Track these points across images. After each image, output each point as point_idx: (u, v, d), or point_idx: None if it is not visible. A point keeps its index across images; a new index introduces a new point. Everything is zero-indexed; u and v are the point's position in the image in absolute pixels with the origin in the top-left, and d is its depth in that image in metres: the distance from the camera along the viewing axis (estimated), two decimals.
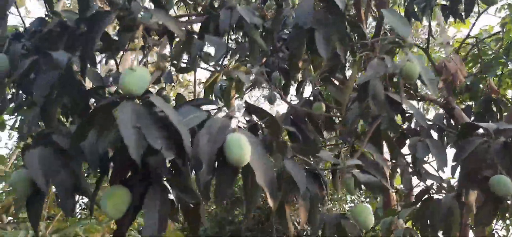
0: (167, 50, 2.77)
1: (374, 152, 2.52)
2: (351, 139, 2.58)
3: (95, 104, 1.95)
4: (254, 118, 1.79)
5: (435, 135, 3.39)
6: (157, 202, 1.60)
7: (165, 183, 1.69)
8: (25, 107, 2.81)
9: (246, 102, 1.71)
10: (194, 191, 1.74)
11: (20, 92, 2.90)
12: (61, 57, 1.81)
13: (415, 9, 3.57)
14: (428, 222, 3.02)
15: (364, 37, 2.87)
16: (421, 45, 3.64)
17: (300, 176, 1.94)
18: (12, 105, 3.07)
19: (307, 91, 3.35)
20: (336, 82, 3.23)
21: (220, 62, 2.66)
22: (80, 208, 10.43)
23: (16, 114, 4.75)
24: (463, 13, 3.44)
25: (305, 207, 2.11)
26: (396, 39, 2.24)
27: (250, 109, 1.74)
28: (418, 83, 3.55)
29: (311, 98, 3.12)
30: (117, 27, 2.41)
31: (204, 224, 1.79)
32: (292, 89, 3.34)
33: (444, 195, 3.29)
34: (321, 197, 2.22)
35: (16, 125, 5.77)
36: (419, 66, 1.96)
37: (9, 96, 3.14)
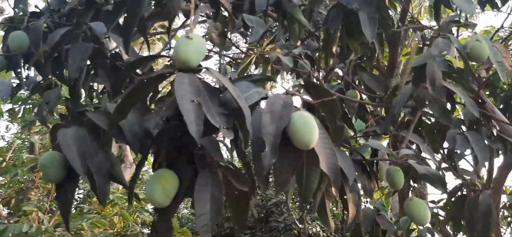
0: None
1: (420, 143, 2.37)
2: (393, 128, 2.42)
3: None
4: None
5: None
6: (209, 188, 1.43)
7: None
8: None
9: (305, 78, 1.53)
10: (246, 177, 1.57)
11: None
12: (100, 28, 1.62)
13: None
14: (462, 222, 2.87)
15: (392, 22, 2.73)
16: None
17: (348, 166, 1.78)
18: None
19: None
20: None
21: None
22: (76, 202, 10.24)
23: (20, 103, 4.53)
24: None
25: (353, 200, 1.94)
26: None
27: (308, 86, 1.56)
28: None
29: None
30: None
31: (253, 214, 1.62)
32: None
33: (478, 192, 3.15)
34: (370, 189, 2.07)
35: (19, 115, 5.57)
36: (488, 47, 1.81)
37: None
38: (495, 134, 3.06)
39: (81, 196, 11.10)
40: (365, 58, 3.14)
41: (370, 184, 2.05)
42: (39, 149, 7.31)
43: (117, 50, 1.99)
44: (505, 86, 4.63)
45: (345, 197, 1.92)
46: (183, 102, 1.25)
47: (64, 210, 1.63)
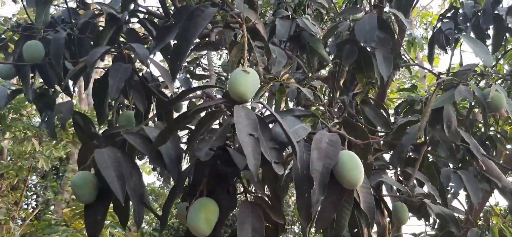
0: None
1: (425, 181, 2.45)
2: (400, 164, 2.50)
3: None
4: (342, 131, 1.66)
5: None
6: (250, 219, 1.44)
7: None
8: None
9: (343, 116, 1.58)
10: (282, 211, 1.59)
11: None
12: (142, 50, 1.61)
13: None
14: None
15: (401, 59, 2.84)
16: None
17: (370, 202, 1.83)
18: None
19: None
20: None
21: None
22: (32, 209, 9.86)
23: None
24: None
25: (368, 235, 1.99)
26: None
27: (346, 124, 1.61)
28: None
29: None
30: None
31: None
32: None
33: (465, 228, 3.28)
34: (383, 226, 2.12)
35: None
36: (505, 98, 1.92)
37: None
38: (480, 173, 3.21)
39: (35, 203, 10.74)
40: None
41: (383, 220, 2.10)
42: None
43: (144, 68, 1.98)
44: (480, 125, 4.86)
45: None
46: (242, 135, 1.27)
47: (91, 232, 1.59)
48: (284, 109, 1.75)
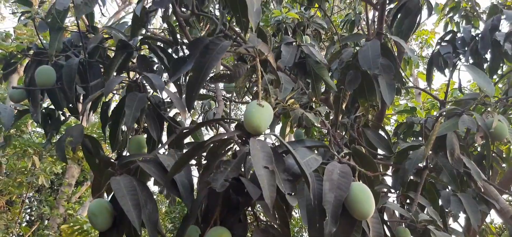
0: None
1: (427, 205, 2.51)
2: (400, 187, 2.55)
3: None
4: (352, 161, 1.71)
5: None
6: None
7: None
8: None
9: (353, 146, 1.63)
10: None
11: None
12: (159, 82, 1.66)
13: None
14: None
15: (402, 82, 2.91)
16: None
17: (379, 231, 1.87)
18: None
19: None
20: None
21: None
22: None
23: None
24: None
25: None
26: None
27: (356, 154, 1.66)
28: None
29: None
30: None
31: None
32: None
33: None
34: None
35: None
36: (507, 127, 1.99)
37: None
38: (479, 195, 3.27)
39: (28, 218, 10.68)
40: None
41: None
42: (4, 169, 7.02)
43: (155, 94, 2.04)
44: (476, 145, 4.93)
45: None
46: (257, 168, 1.31)
47: None
48: (293, 140, 1.80)
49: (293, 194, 1.40)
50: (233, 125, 2.08)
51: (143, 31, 2.63)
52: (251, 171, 1.58)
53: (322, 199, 1.42)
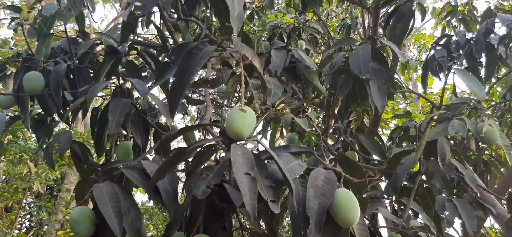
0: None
1: (419, 211, 2.47)
2: (394, 193, 2.52)
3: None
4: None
5: None
6: None
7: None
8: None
9: (339, 152, 1.60)
10: None
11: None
12: (141, 86, 1.64)
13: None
14: None
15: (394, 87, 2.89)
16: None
17: None
18: None
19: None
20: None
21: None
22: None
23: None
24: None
25: None
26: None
27: (342, 160, 1.64)
28: None
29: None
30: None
31: None
32: None
33: None
34: None
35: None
36: (498, 132, 1.96)
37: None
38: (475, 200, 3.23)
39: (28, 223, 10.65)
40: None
41: None
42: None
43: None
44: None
45: None
46: (238, 174, 1.29)
47: None
48: (280, 145, 1.77)
49: (275, 201, 1.38)
50: (217, 130, 2.05)
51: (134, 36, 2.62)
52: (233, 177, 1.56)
53: (306, 206, 1.39)
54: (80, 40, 2.73)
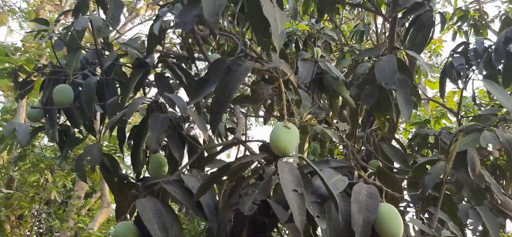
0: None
1: (447, 220, 2.48)
2: (420, 203, 2.54)
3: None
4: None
5: None
6: None
7: None
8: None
9: (379, 167, 1.62)
10: None
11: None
12: (181, 103, 1.67)
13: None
14: None
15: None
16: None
17: None
18: None
19: None
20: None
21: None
22: None
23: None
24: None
25: None
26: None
27: (381, 173, 1.65)
28: None
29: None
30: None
31: None
32: None
33: None
34: None
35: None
36: None
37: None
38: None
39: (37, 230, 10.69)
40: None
41: None
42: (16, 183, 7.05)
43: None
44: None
45: None
46: (287, 192, 1.31)
47: None
48: (319, 159, 1.79)
49: (321, 216, 1.39)
50: (252, 144, 2.07)
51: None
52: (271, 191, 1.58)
53: (351, 221, 1.41)
54: (105, 51, 2.76)
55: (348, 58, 5.44)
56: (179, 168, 1.88)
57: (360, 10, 6.57)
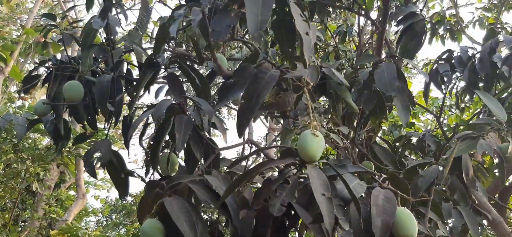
0: None
1: (437, 219, 2.66)
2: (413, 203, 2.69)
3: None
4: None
5: None
6: None
7: None
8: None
9: (390, 172, 1.74)
10: None
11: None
12: (208, 107, 1.74)
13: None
14: None
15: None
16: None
17: None
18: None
19: None
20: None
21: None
22: None
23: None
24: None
25: None
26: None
27: (391, 177, 1.78)
28: None
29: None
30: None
31: None
32: None
33: None
34: None
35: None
36: None
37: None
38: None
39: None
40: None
41: None
42: None
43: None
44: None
45: None
46: (317, 195, 1.41)
47: None
48: (337, 164, 1.89)
49: (345, 219, 1.50)
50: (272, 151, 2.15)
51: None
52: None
53: (372, 223, 1.52)
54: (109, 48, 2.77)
55: (332, 59, 5.60)
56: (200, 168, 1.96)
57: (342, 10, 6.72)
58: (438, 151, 3.40)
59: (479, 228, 4.31)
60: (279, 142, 2.99)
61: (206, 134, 3.35)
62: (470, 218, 3.06)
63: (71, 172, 7.48)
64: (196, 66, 2.64)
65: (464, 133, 2.37)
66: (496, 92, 3.76)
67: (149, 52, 2.52)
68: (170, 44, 2.89)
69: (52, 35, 3.03)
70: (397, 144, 3.92)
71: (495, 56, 3.42)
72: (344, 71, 5.12)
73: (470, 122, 3.30)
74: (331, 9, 6.03)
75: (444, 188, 3.11)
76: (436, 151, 3.32)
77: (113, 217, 15.47)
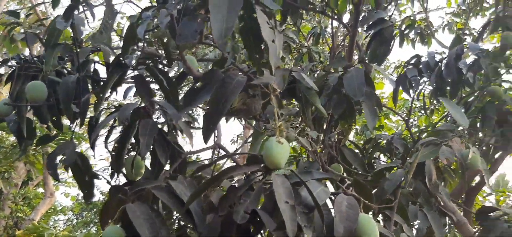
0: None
1: (402, 222, 2.71)
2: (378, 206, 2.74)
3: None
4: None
5: None
6: None
7: None
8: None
9: (354, 179, 1.76)
10: None
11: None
12: (173, 112, 1.72)
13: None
14: None
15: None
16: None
17: None
18: None
19: None
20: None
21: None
22: None
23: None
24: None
25: None
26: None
27: (356, 184, 1.80)
28: None
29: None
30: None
31: None
32: None
33: None
34: None
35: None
36: (479, 158, 2.21)
37: None
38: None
39: None
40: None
41: None
42: None
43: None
44: None
45: None
46: (280, 203, 1.42)
47: None
48: (303, 170, 1.90)
49: (308, 226, 1.51)
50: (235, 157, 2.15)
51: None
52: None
53: (334, 230, 1.54)
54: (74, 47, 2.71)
55: (306, 60, 5.65)
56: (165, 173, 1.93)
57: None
58: (406, 154, 3.46)
59: (446, 228, 4.45)
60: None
61: (178, 137, 3.34)
62: (435, 220, 3.13)
63: (38, 171, 7.29)
64: (165, 67, 2.60)
65: (427, 139, 2.42)
66: (463, 95, 3.87)
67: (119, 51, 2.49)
68: (139, 44, 2.84)
69: (17, 32, 2.93)
70: (367, 146, 3.98)
71: (461, 63, 3.51)
72: (318, 72, 5.17)
73: (436, 126, 3.37)
74: (304, 12, 6.09)
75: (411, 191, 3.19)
76: (404, 153, 3.39)
77: (84, 215, 15.19)
